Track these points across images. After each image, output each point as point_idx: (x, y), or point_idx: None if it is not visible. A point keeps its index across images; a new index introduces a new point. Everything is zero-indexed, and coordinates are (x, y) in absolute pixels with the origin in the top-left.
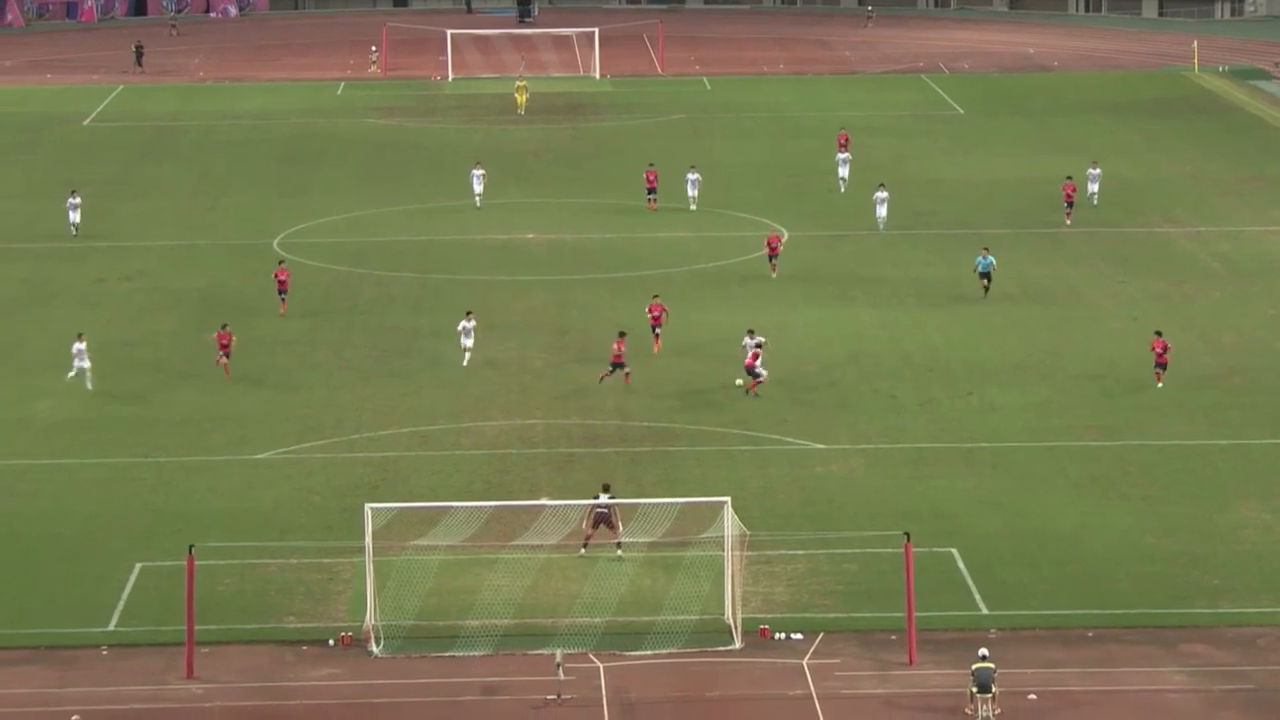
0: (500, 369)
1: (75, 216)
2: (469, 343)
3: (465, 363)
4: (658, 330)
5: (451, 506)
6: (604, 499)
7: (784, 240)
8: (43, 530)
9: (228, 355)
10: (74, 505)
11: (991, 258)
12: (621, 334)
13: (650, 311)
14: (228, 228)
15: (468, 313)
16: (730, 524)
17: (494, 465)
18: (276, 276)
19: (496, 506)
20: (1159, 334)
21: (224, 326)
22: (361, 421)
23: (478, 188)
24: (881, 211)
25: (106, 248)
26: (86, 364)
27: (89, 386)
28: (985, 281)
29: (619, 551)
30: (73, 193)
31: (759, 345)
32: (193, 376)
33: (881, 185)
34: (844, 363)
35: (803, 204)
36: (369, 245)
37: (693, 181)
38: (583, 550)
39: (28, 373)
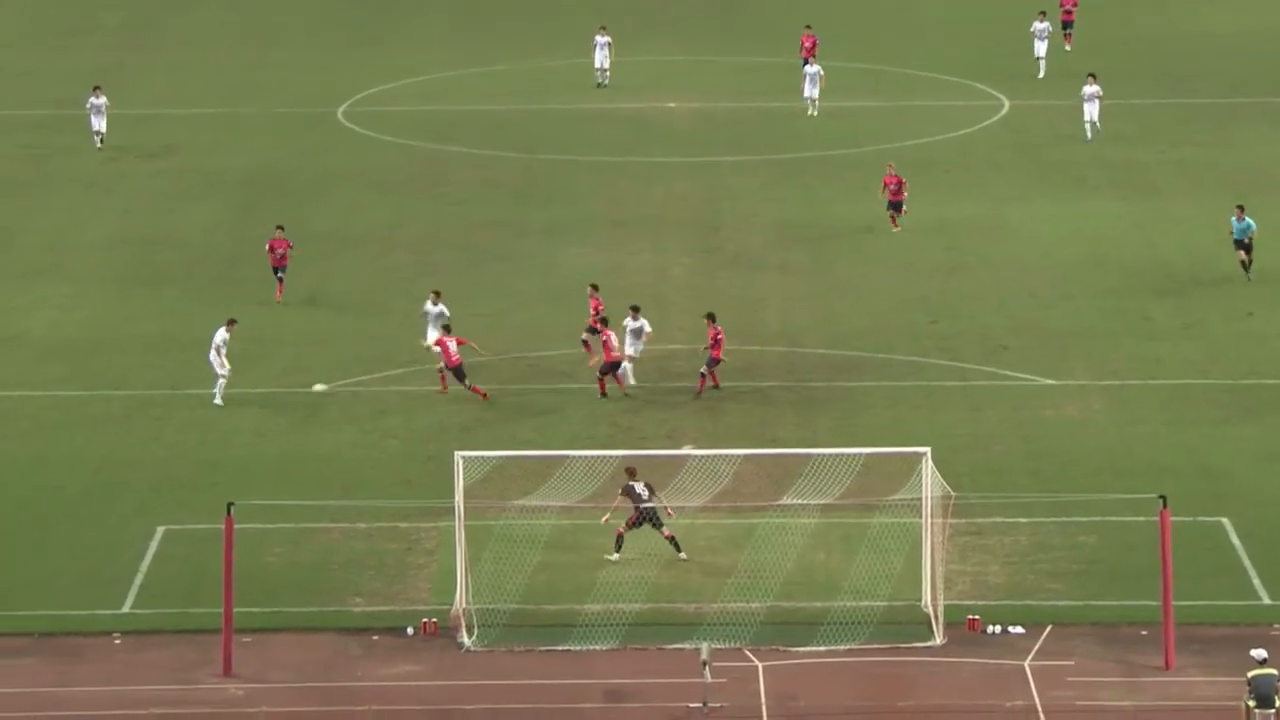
0: (630, 277)
1: (100, 123)
2: (637, 350)
3: (633, 381)
4: (587, 337)
5: (567, 456)
6: (640, 488)
7: (906, 185)
8: (39, 483)
9: (480, 388)
10: (79, 451)
11: (1250, 220)
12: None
13: (594, 309)
14: (279, 91)
15: (634, 309)
16: (930, 482)
17: (623, 403)
18: (271, 248)
19: (626, 456)
20: None
21: (710, 319)
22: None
23: (602, 60)
24: (1091, 111)
25: (121, 117)
26: (226, 371)
27: (217, 400)
28: (1244, 255)
29: (681, 555)
30: (95, 90)
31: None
32: (232, 283)
33: (1092, 76)
34: (1081, 271)
35: (1025, 63)
36: (462, 116)
37: (812, 76)
38: (615, 556)
39: (20, 278)
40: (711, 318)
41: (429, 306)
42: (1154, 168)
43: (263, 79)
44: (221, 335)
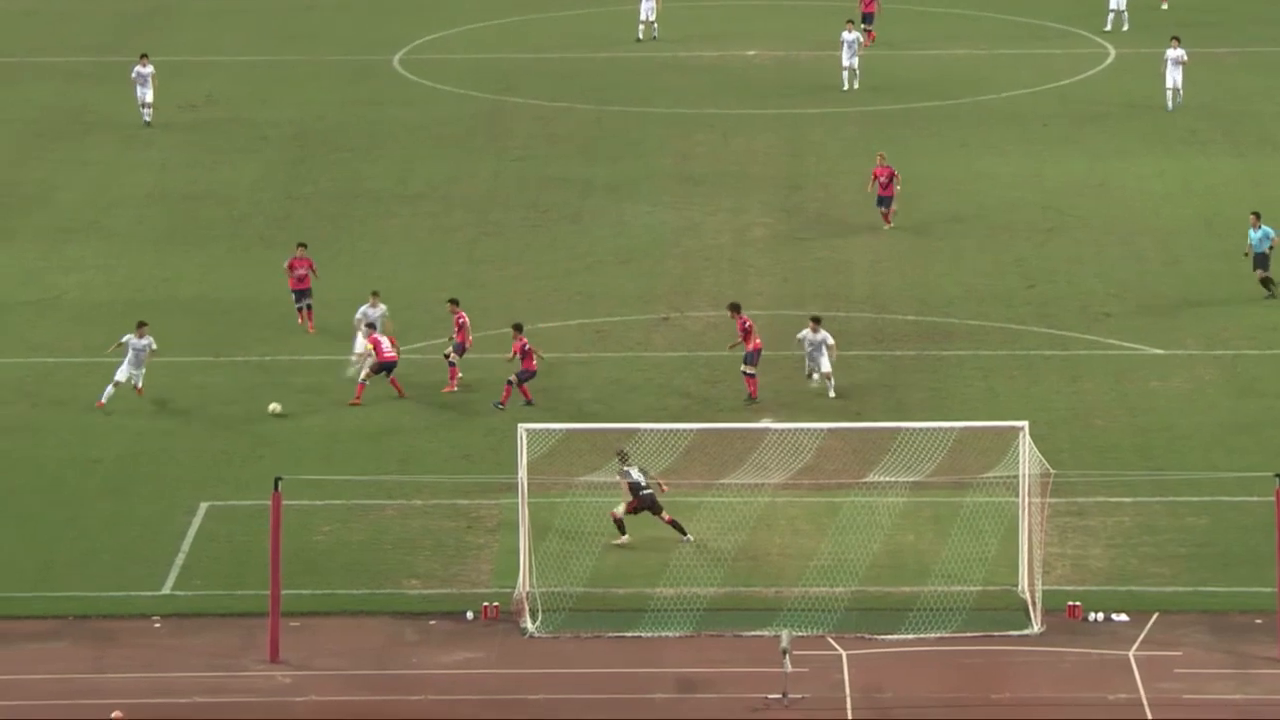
0: (706, 238)
1: (146, 93)
2: (826, 366)
3: (818, 385)
4: (453, 358)
5: (638, 429)
6: (635, 473)
7: (898, 178)
8: (73, 455)
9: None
10: (117, 421)
11: (1268, 228)
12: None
13: (456, 322)
14: (329, 39)
15: (815, 320)
16: (1027, 458)
17: (697, 373)
18: (292, 269)
19: (701, 430)
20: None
21: (517, 330)
22: (513, 310)
23: (648, 12)
24: (1174, 77)
25: (161, 65)
26: (135, 373)
27: (111, 381)
28: (1261, 272)
29: (688, 537)
30: (142, 58)
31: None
32: (280, 244)
33: (1175, 40)
34: (1192, 233)
35: (1129, 9)
36: (526, 64)
37: (850, 44)
38: (624, 538)
39: (53, 236)
40: (736, 308)
41: (368, 310)
42: (1272, 120)
43: (312, 25)
44: (132, 340)
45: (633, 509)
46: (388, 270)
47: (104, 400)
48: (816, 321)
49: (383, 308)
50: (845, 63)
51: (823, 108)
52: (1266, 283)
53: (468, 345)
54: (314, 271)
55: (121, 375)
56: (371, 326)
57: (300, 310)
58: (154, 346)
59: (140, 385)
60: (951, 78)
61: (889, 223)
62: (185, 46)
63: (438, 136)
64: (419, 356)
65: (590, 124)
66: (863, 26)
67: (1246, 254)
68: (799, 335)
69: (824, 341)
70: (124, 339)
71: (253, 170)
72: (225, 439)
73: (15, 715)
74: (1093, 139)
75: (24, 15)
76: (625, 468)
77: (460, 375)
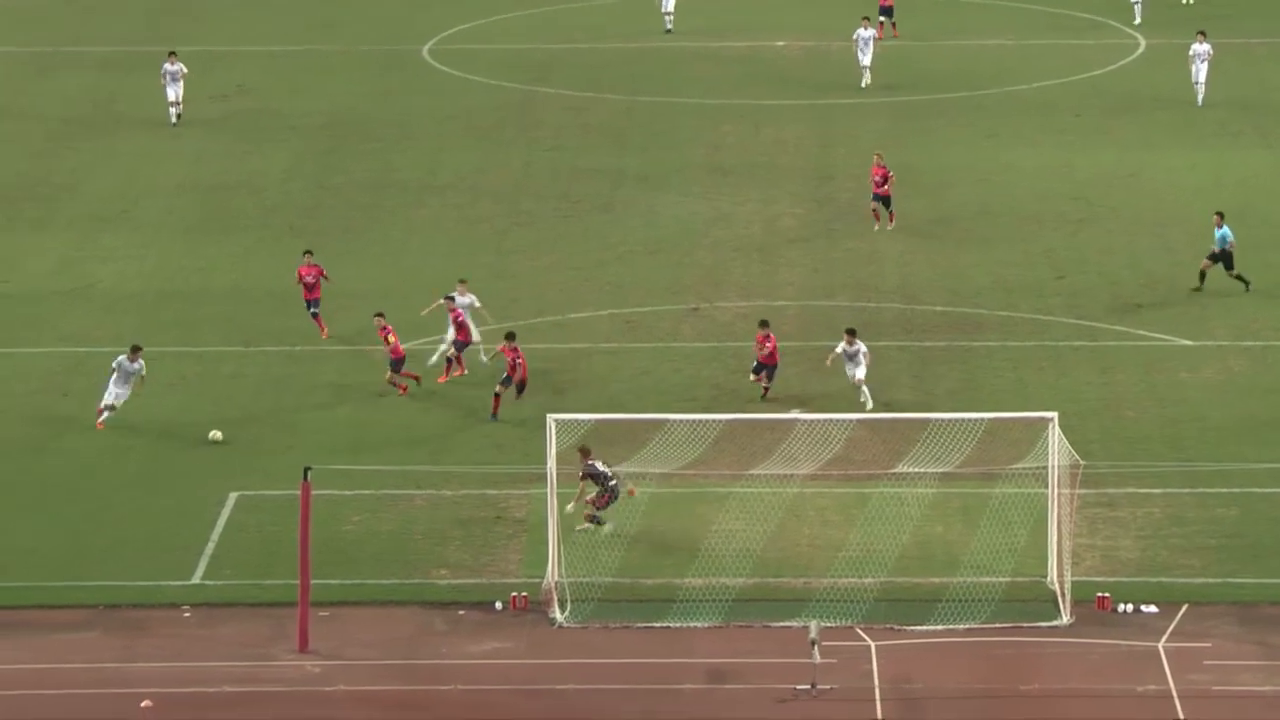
0: (736, 229)
1: (175, 92)
2: (861, 373)
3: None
4: (450, 353)
5: (667, 419)
6: (601, 466)
7: (893, 179)
8: (104, 444)
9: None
10: (147, 410)
11: (1227, 228)
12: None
13: (454, 320)
14: (359, 28)
15: (849, 332)
16: (1057, 449)
17: (727, 363)
18: (301, 278)
19: (730, 420)
20: None
21: (509, 338)
22: (544, 300)
23: (667, 2)
24: (1200, 72)
25: (191, 54)
26: (120, 393)
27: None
28: (1212, 265)
29: (601, 528)
30: (171, 55)
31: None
32: (311, 234)
33: (1201, 34)
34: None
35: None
36: (556, 54)
37: (865, 42)
38: (609, 525)
39: (85, 227)
40: (764, 324)
41: (458, 298)
42: None
43: (342, 15)
44: (124, 362)
45: (605, 504)
46: (417, 260)
47: (101, 422)
48: (851, 334)
49: (471, 296)
50: (862, 61)
51: (853, 98)
52: (1234, 276)
53: (470, 342)
54: (325, 277)
55: (109, 398)
56: (381, 314)
57: (315, 316)
58: (144, 373)
59: (118, 406)
60: (980, 68)
61: (881, 223)
62: (216, 36)
63: (468, 127)
64: (447, 347)
65: (621, 114)
66: (879, 20)
67: (1213, 249)
68: (837, 350)
69: (859, 352)
70: (116, 362)
71: (283, 160)
72: (255, 429)
73: (46, 704)
74: (1123, 130)
75: (55, 6)
76: (589, 461)
77: (455, 373)
